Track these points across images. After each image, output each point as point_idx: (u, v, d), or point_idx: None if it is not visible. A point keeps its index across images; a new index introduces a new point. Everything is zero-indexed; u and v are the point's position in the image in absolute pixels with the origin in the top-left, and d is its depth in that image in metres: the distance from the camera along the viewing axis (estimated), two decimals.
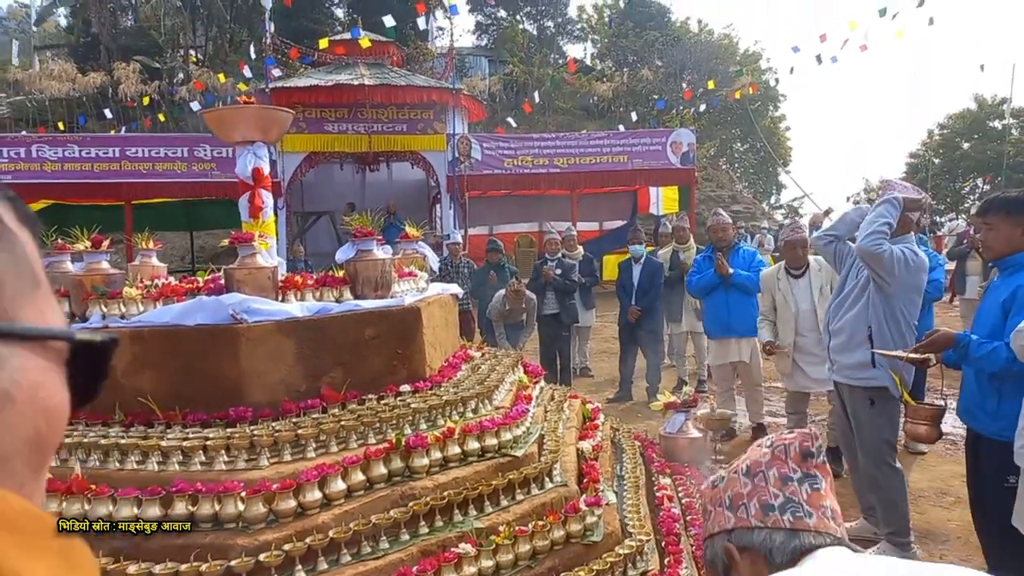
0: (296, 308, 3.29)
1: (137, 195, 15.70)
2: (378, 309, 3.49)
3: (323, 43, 16.25)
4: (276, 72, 16.18)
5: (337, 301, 3.48)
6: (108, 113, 19.90)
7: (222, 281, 3.37)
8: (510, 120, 21.02)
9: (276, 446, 2.84)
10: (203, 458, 2.78)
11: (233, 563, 2.29)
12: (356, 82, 15.50)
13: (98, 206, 15.84)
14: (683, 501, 4.01)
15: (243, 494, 2.51)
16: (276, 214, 16.71)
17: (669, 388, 7.58)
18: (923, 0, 13.75)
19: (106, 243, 3.43)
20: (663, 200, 19.96)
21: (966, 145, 28.87)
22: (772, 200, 33.72)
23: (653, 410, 5.42)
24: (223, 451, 2.78)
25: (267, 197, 4.14)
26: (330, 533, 2.51)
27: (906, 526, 3.87)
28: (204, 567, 2.27)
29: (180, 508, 2.49)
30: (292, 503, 2.55)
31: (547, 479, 3.20)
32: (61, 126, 19.84)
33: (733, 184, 28.49)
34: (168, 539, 2.42)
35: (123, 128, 19.71)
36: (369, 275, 3.56)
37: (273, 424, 2.96)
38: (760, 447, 1.21)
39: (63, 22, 27.80)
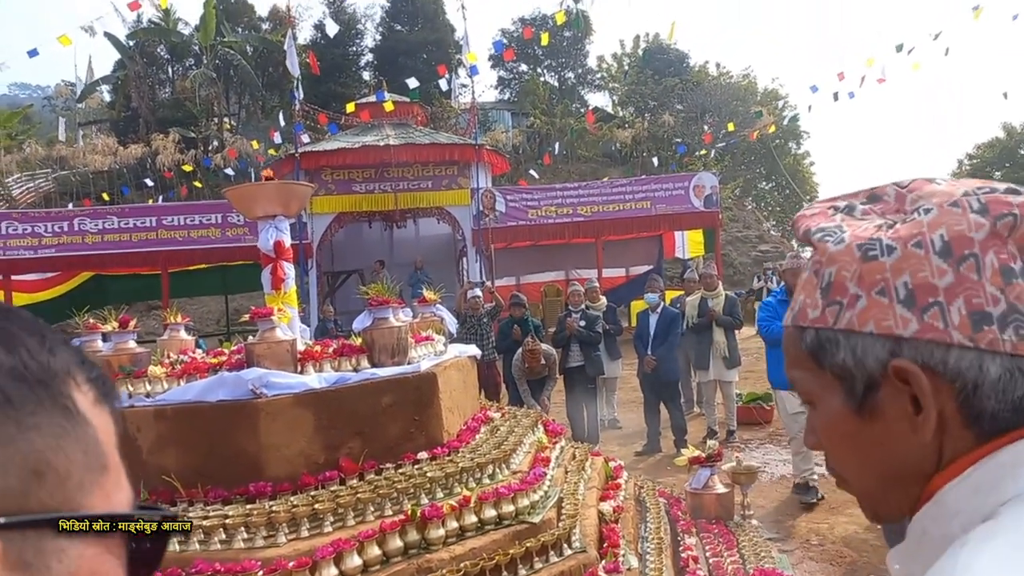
0: (314, 380, 3.37)
1: (174, 263, 16.16)
2: (395, 376, 3.55)
3: (350, 107, 16.80)
4: (305, 138, 16.72)
5: (355, 370, 3.56)
6: (149, 182, 20.73)
7: (242, 356, 3.47)
8: (532, 172, 21.32)
9: (294, 521, 2.88)
10: (223, 536, 2.83)
11: None
12: (382, 143, 15.93)
13: (137, 275, 16.36)
14: (710, 561, 3.93)
15: (260, 574, 2.55)
16: (307, 275, 17.03)
17: (699, 438, 7.50)
18: (939, 33, 13.79)
19: (133, 323, 3.57)
20: (688, 243, 19.94)
21: (998, 174, 28.44)
22: None
23: (677, 464, 5.35)
24: (242, 528, 2.83)
25: (289, 269, 4.27)
26: None
27: None
28: None
29: None
30: None
31: (565, 545, 3.18)
32: (106, 197, 20.68)
33: (760, 224, 28.35)
34: None
35: (161, 197, 20.48)
36: (386, 343, 3.64)
37: (291, 499, 3.01)
38: (962, 209, 0.65)
39: (106, 97, 29.20)
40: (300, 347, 3.63)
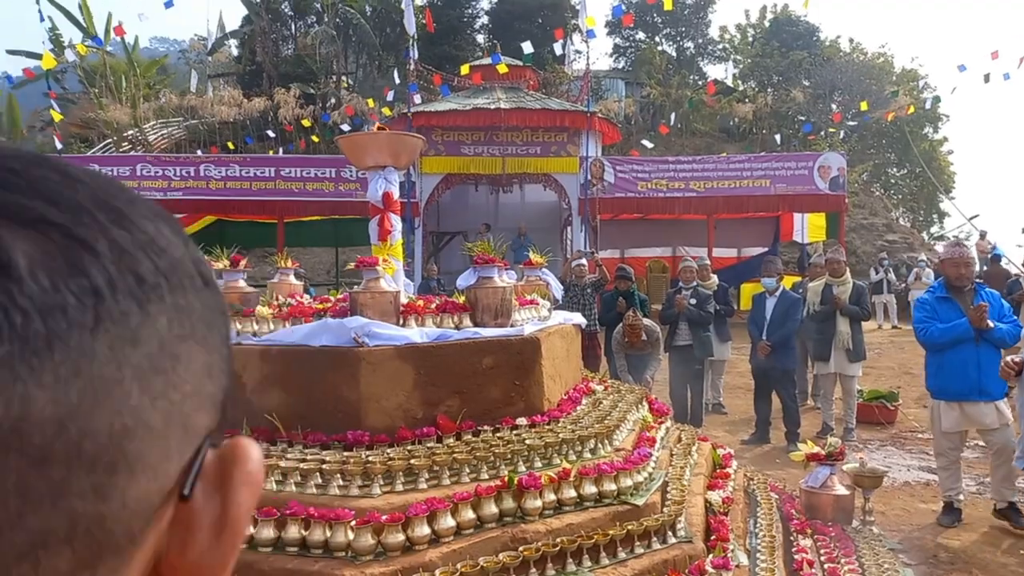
0: (416, 334, 3.27)
1: (289, 212, 16.79)
2: (497, 338, 3.40)
3: (464, 69, 16.75)
4: (417, 98, 16.83)
5: (456, 328, 3.43)
6: (271, 133, 21.61)
7: (347, 304, 3.41)
8: (645, 142, 20.64)
9: (389, 474, 2.79)
10: (319, 481, 2.77)
11: None
12: (492, 106, 15.81)
13: (255, 222, 17.11)
14: (825, 567, 3.60)
15: (353, 523, 2.47)
16: (412, 233, 17.34)
17: (812, 432, 7.00)
18: None
19: (244, 262, 3.57)
20: (809, 227, 18.78)
21: None
22: (933, 230, 30.97)
23: (793, 459, 4.96)
24: (338, 475, 2.76)
25: (396, 221, 4.18)
26: (437, 573, 2.41)
27: None
28: None
29: (293, 532, 2.48)
30: (400, 537, 2.47)
31: (670, 533, 2.95)
32: (231, 145, 21.73)
33: (888, 212, 26.41)
34: (279, 561, 2.41)
35: (281, 149, 21.29)
36: (489, 303, 3.48)
37: (388, 451, 2.93)
38: None
39: (233, 51, 30.57)
40: (403, 300, 3.53)
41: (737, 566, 2.89)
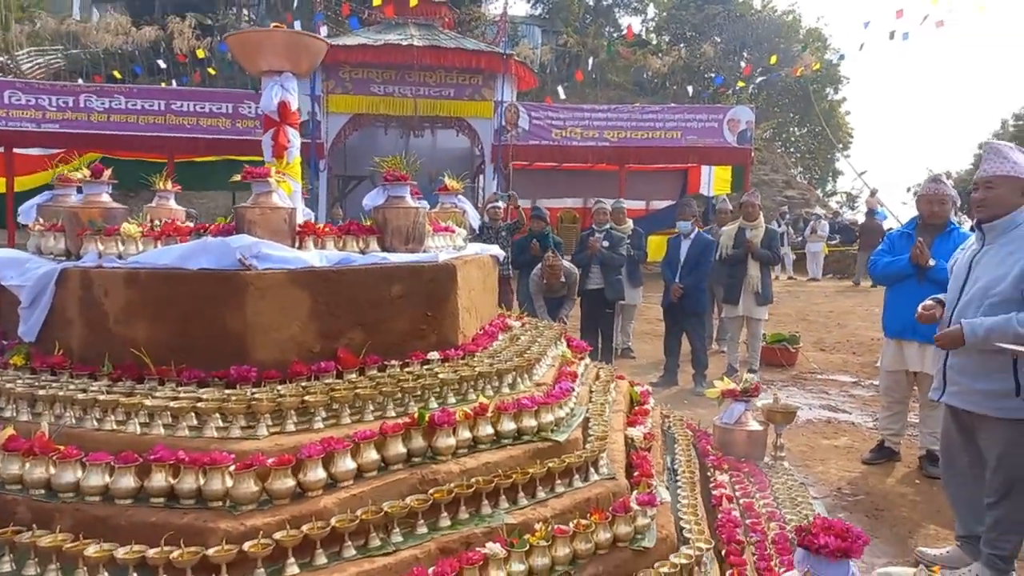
0: (314, 257, 2.88)
1: (181, 151, 15.56)
2: (408, 264, 3.06)
3: (375, 0, 15.80)
4: (323, 30, 15.81)
5: (362, 252, 3.06)
6: (162, 64, 19.89)
7: (232, 224, 2.97)
8: (560, 91, 20.33)
9: (279, 413, 2.43)
10: (193, 422, 2.38)
11: (211, 551, 1.89)
12: (405, 42, 15.08)
13: (143, 161, 15.77)
14: (742, 502, 3.52)
15: (232, 468, 2.11)
16: (317, 177, 16.54)
17: (718, 375, 7.06)
18: None
19: (107, 173, 3.05)
20: (715, 180, 19.16)
21: None
22: (827, 187, 32.39)
23: (709, 397, 4.90)
24: (216, 415, 2.38)
25: (294, 136, 3.72)
26: (332, 521, 2.10)
27: (1017, 551, 3.31)
28: (175, 554, 1.87)
29: (158, 480, 2.10)
30: (290, 482, 2.14)
31: (592, 470, 2.75)
32: (117, 75, 19.89)
33: (788, 169, 27.34)
34: (140, 515, 2.04)
35: (174, 82, 19.67)
36: (400, 225, 3.13)
37: (278, 388, 2.56)
38: None
39: None
40: (300, 220, 3.11)
41: (660, 502, 2.72)
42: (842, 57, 21.91)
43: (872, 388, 7.13)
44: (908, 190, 33.01)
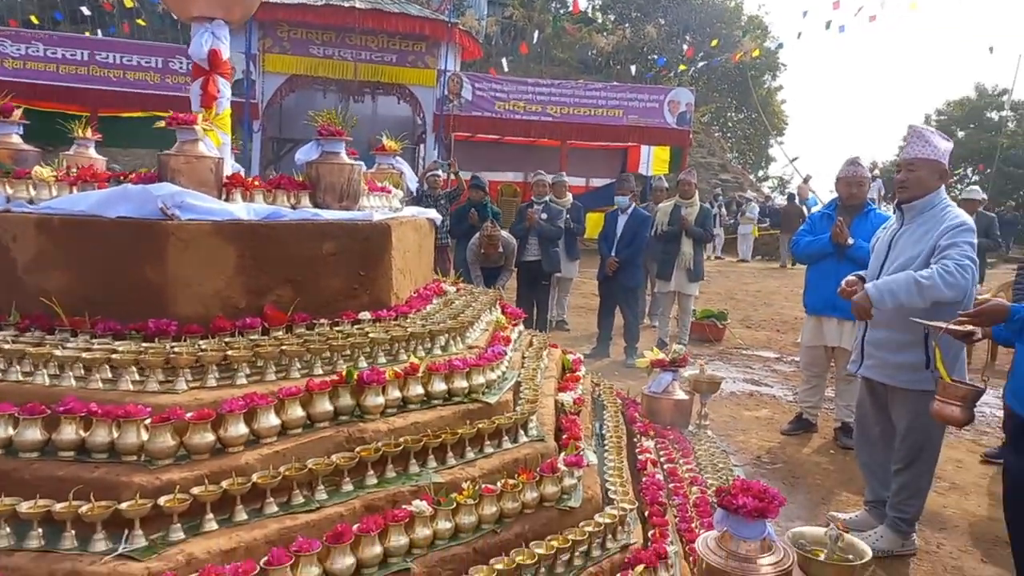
0: (241, 209, 2.77)
1: (105, 104, 14.75)
2: (341, 222, 2.98)
3: None
4: None
5: (293, 208, 2.96)
6: (86, 11, 18.70)
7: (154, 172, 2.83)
8: (504, 63, 20.16)
9: (200, 368, 2.35)
10: (108, 375, 2.28)
11: (124, 506, 1.82)
12: (347, 4, 14.63)
13: (64, 114, 14.88)
14: (665, 466, 3.62)
15: (148, 421, 2.03)
16: (251, 139, 15.90)
17: (647, 348, 7.22)
18: None
19: (18, 113, 2.85)
20: (654, 160, 19.44)
21: (961, 134, 28.53)
22: (760, 172, 33.30)
23: (639, 367, 5.00)
24: (133, 368, 2.28)
25: (224, 86, 3.55)
26: (254, 477, 2.04)
27: (918, 515, 3.52)
28: (84, 509, 1.79)
29: (68, 432, 2.00)
30: (209, 437, 2.07)
31: (522, 432, 2.76)
32: (34, 20, 18.62)
33: (724, 153, 27.94)
34: (46, 468, 1.94)
35: (99, 32, 18.56)
36: (333, 181, 3.04)
37: (199, 342, 2.47)
38: None
39: None
40: (228, 171, 2.99)
41: (588, 464, 2.76)
42: (780, 45, 22.46)
43: (793, 364, 7.42)
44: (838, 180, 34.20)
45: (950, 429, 4.39)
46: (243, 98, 14.06)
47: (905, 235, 3.39)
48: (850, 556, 2.44)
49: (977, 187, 9.92)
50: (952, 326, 2.74)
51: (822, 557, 2.44)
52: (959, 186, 29.78)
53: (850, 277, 3.67)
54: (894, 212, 3.59)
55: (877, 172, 20.77)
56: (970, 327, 2.68)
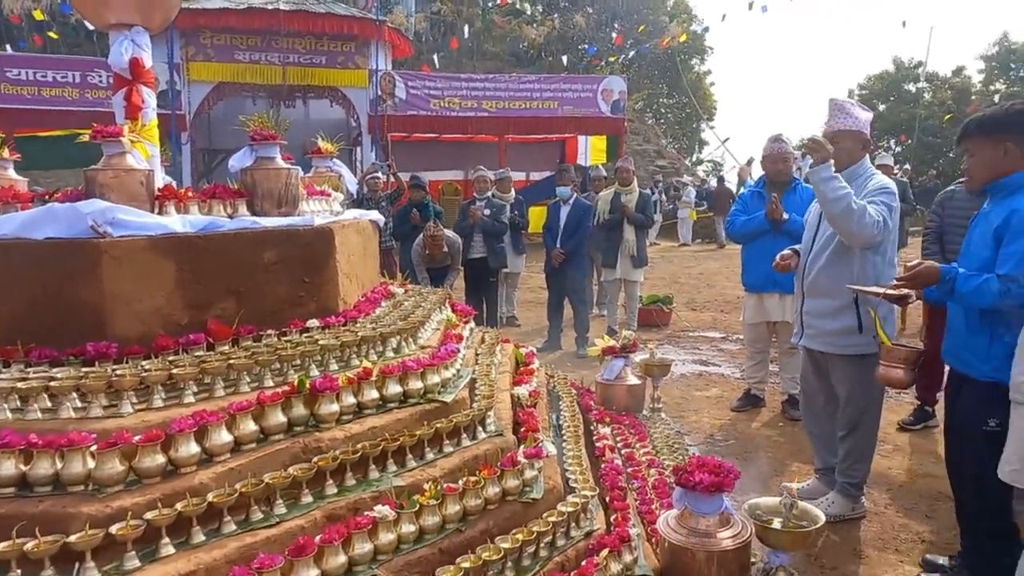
0: (176, 222, 2.69)
1: (20, 124, 14.05)
2: (281, 228, 2.92)
3: None
4: None
5: (230, 217, 2.89)
6: None
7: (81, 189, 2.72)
8: (435, 60, 20.06)
9: (145, 389, 2.27)
10: (47, 404, 2.19)
11: (73, 538, 1.75)
12: (271, 7, 14.30)
13: None
14: (623, 451, 3.67)
15: (94, 448, 1.96)
16: (180, 151, 15.46)
17: (598, 337, 7.31)
18: None
19: None
20: (591, 150, 19.66)
21: (883, 107, 29.69)
22: (695, 156, 34.00)
23: (590, 355, 5.07)
24: (73, 395, 2.19)
25: (149, 96, 3.43)
26: (209, 496, 1.99)
27: (865, 479, 3.66)
28: (30, 546, 1.71)
29: (7, 468, 1.91)
30: (160, 459, 2.01)
31: (480, 428, 2.77)
32: None
33: (659, 139, 28.42)
34: None
35: (8, 47, 17.69)
36: (271, 187, 2.98)
37: (142, 363, 2.39)
38: None
39: None
40: (159, 183, 2.90)
41: (548, 456, 2.79)
42: (706, 29, 22.91)
43: (738, 342, 7.61)
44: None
45: (889, 392, 4.59)
46: (169, 110, 13.64)
47: None
48: (804, 523, 2.53)
49: (887, 153, 10.33)
50: (888, 291, 2.86)
51: (778, 526, 2.52)
52: (877, 152, 31.04)
53: (785, 252, 3.79)
54: None
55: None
56: (904, 290, 2.80)
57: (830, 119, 3.48)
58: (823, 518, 2.55)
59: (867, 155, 3.50)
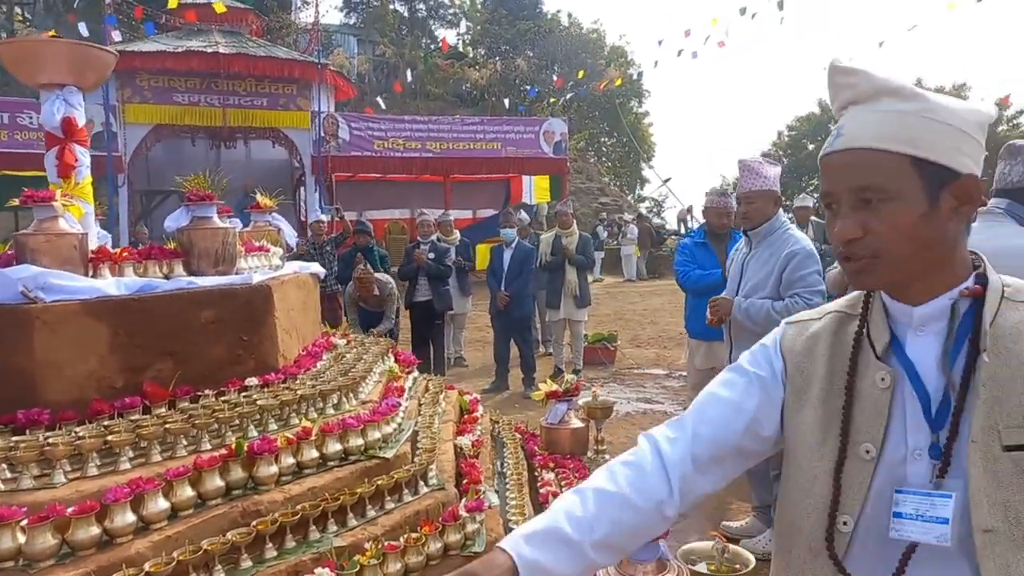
0: (111, 285, 2.67)
1: None
2: (218, 287, 2.92)
3: (172, 2, 14.76)
4: (116, 35, 14.53)
5: (166, 278, 2.88)
6: None
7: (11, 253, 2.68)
8: (379, 102, 20.22)
9: (78, 457, 2.24)
10: None
11: None
12: (210, 50, 14.25)
13: None
14: None
15: (24, 522, 1.92)
16: (116, 193, 15.12)
17: (546, 376, 7.39)
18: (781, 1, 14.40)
19: None
20: (535, 190, 20.01)
21: (811, 146, 31.11)
22: (636, 193, 34.88)
23: (534, 399, 5.12)
24: (3, 465, 2.15)
25: (82, 154, 3.41)
26: (145, 567, 1.97)
27: None
28: None
29: None
30: (95, 531, 1.98)
31: (421, 483, 2.79)
32: None
33: (601, 177, 29.12)
34: None
35: None
36: (207, 246, 2.99)
37: (76, 429, 2.36)
38: None
39: None
40: (93, 246, 2.88)
41: (489, 507, 2.83)
42: (641, 73, 23.71)
43: (681, 379, 7.80)
44: (707, 194, 36.30)
45: None
46: (105, 152, 13.36)
47: (753, 259, 3.72)
48: (737, 565, 2.63)
49: (807, 195, 10.85)
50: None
51: (706, 570, 2.61)
52: (815, 195, 32.41)
53: (712, 306, 3.97)
54: (744, 237, 3.93)
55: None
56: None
57: (742, 180, 3.68)
58: (753, 561, 2.66)
59: (780, 209, 3.71)
